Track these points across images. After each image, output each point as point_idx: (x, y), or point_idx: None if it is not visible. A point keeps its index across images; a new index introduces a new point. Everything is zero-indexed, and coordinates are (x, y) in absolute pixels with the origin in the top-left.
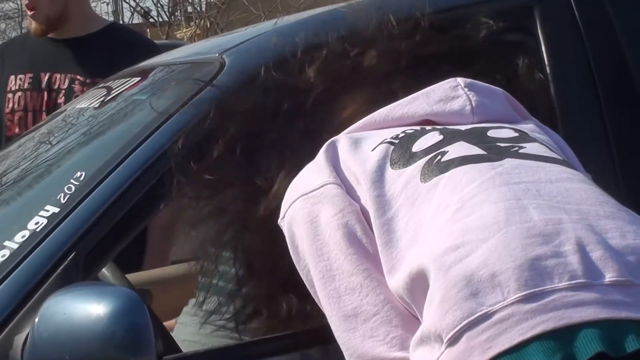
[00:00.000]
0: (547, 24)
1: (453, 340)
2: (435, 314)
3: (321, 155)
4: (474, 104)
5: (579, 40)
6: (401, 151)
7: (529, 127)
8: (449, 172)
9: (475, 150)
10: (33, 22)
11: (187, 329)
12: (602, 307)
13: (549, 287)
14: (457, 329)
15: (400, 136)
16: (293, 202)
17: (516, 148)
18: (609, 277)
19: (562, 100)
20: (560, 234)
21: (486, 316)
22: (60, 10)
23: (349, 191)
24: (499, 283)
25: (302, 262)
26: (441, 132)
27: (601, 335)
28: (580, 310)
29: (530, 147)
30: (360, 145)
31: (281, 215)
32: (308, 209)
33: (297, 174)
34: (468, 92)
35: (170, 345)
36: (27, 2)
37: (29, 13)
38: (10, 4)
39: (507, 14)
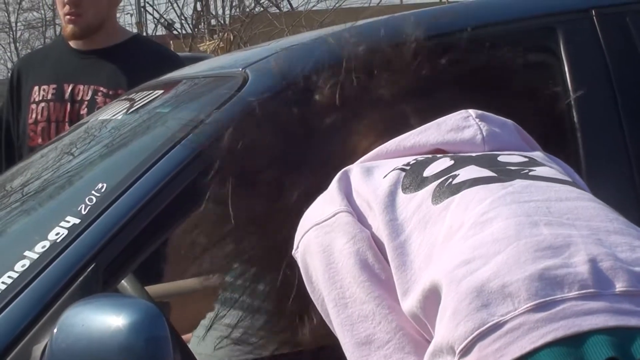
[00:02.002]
0: (570, 45)
1: (465, 351)
2: (447, 326)
3: (334, 184)
4: (484, 133)
5: (602, 62)
6: (412, 176)
7: (538, 154)
8: (460, 193)
9: (486, 173)
10: (70, 26)
11: (205, 342)
12: (611, 315)
13: (559, 296)
14: (469, 339)
15: (411, 163)
16: (306, 232)
17: (526, 170)
18: (619, 286)
19: (584, 122)
20: (570, 246)
21: (497, 326)
22: (101, 20)
23: (360, 218)
24: (509, 293)
25: (316, 292)
26: (452, 158)
27: (611, 341)
28: (590, 319)
29: (540, 170)
30: (372, 173)
31: (295, 246)
32: (321, 239)
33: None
34: (479, 123)
35: (189, 358)
36: (71, 7)
37: (70, 17)
38: (34, 13)
39: (530, 35)
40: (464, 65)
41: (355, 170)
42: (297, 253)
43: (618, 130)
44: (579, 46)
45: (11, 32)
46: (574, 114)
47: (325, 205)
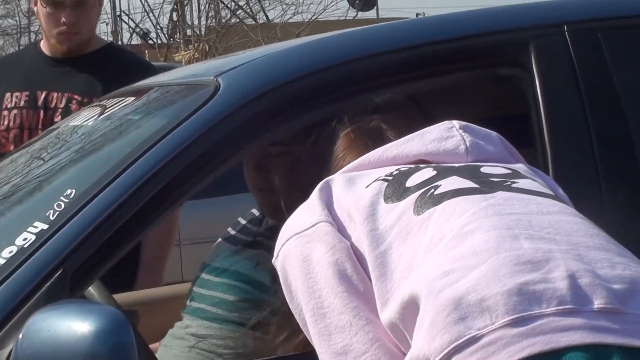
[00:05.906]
0: (542, 60)
1: None
2: (424, 338)
3: (315, 194)
4: (468, 144)
5: (573, 78)
6: (395, 186)
7: (521, 167)
8: (442, 204)
9: (468, 184)
10: (66, 41)
11: (172, 351)
12: (589, 332)
13: (537, 311)
14: (445, 352)
15: (394, 173)
16: (286, 241)
17: (509, 182)
18: (597, 303)
19: (554, 136)
20: (549, 261)
21: (474, 339)
22: (91, 35)
23: (341, 229)
24: (487, 307)
25: (294, 301)
26: (435, 168)
27: (587, 358)
28: (567, 335)
29: (522, 183)
30: (354, 183)
31: (275, 255)
32: (300, 248)
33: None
34: (463, 134)
35: None
36: (69, 28)
37: (66, 36)
38: (9, 20)
39: (502, 49)
40: (438, 79)
41: (337, 180)
42: (277, 262)
43: (588, 145)
44: (551, 61)
45: None
46: (544, 128)
47: (306, 215)
